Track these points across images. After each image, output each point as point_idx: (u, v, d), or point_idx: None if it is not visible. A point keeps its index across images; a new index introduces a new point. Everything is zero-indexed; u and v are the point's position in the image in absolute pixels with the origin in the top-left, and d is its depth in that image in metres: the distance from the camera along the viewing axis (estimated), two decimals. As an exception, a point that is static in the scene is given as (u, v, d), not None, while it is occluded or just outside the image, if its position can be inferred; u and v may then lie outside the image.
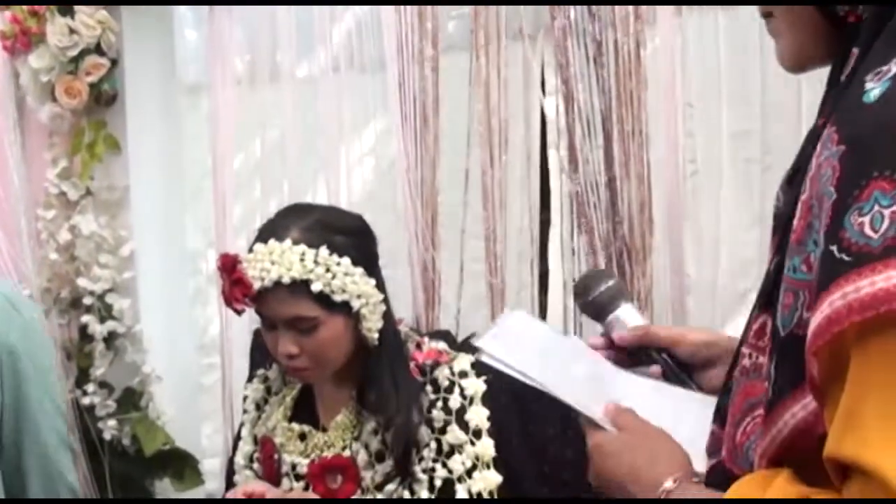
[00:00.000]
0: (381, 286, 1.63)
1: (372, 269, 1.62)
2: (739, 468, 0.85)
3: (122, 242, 2.41)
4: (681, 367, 1.15)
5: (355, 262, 1.58)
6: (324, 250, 1.56)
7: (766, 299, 0.87)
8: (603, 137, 1.92)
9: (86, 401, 2.34)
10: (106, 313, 2.36)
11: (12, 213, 2.35)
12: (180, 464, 2.39)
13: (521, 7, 2.08)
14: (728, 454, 0.88)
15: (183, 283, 2.59)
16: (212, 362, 2.66)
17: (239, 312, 1.63)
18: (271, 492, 1.57)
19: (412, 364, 1.65)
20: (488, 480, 1.61)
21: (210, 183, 2.49)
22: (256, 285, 1.56)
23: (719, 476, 0.89)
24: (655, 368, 1.15)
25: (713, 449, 0.93)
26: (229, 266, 1.59)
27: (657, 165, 1.97)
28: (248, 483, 1.64)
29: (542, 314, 2.23)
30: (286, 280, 1.54)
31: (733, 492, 0.81)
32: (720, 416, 0.93)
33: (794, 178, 0.85)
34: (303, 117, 2.41)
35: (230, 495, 1.58)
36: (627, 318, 1.19)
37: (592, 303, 1.22)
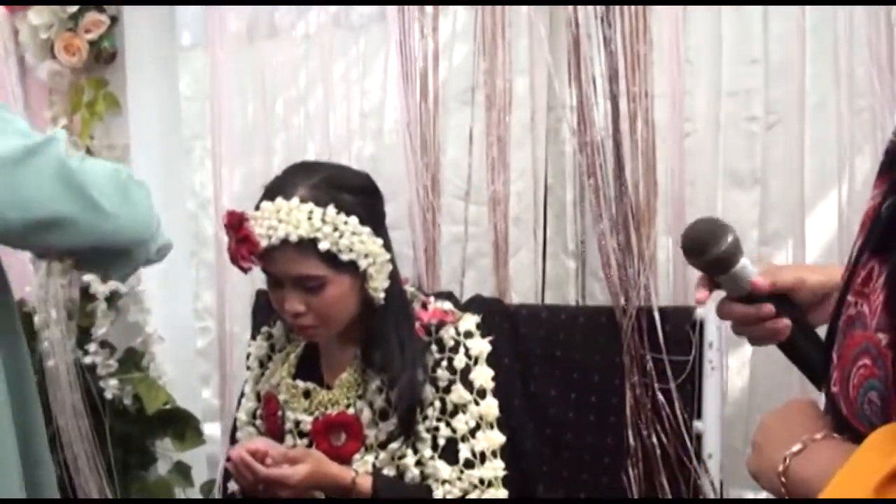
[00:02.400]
0: (387, 246, 1.63)
1: (379, 228, 1.62)
2: (860, 423, 0.82)
3: (123, 202, 2.39)
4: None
5: (363, 222, 1.57)
6: (331, 209, 1.55)
7: (878, 243, 0.84)
8: (610, 97, 1.91)
9: (87, 360, 2.34)
10: (107, 273, 2.36)
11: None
12: (181, 424, 2.39)
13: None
14: (848, 410, 0.85)
15: (184, 244, 2.58)
16: (205, 326, 2.66)
17: (245, 270, 1.62)
18: (273, 448, 1.58)
19: (417, 323, 1.65)
20: (492, 440, 1.61)
21: (202, 144, 2.48)
22: (263, 243, 1.55)
23: (848, 433, 0.86)
24: (786, 321, 1.12)
25: (830, 408, 0.90)
26: (235, 223, 1.58)
27: (660, 125, 1.95)
28: (251, 440, 1.64)
29: (543, 277, 2.23)
30: (293, 238, 1.54)
31: (865, 449, 0.76)
32: (826, 371, 0.90)
33: None
34: (300, 74, 2.40)
35: (233, 452, 1.58)
36: (749, 270, 1.13)
37: (717, 260, 1.12)
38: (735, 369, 2.08)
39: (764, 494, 2.02)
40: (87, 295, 2.37)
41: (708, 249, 1.12)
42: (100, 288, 2.33)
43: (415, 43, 2.09)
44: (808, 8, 1.87)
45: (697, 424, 1.87)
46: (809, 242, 1.93)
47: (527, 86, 2.16)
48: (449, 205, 2.21)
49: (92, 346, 2.35)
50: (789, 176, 1.94)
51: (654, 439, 1.88)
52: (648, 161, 1.92)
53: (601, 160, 1.93)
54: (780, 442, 0.90)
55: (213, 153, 2.38)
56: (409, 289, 1.72)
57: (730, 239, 1.12)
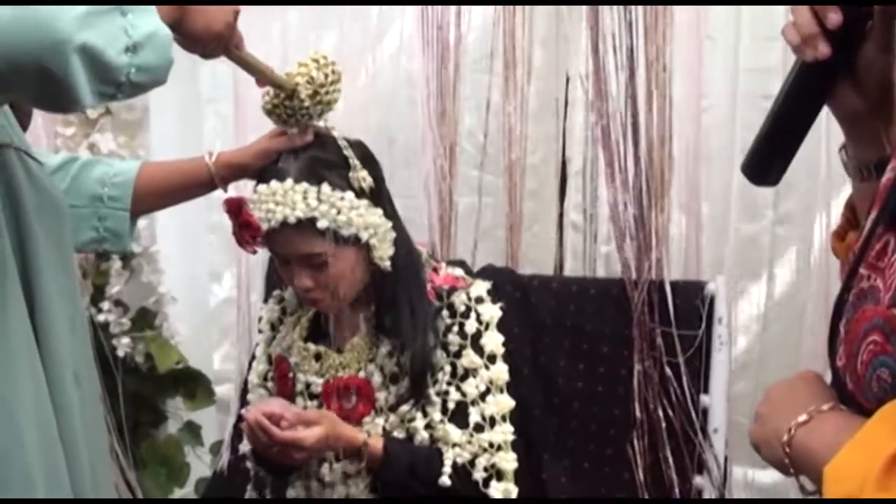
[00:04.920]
0: (389, 213, 1.63)
1: (377, 197, 1.61)
2: (866, 399, 0.81)
3: (141, 162, 2.41)
4: None
5: (359, 195, 1.58)
6: (325, 187, 1.55)
7: (893, 217, 0.83)
8: (628, 71, 1.91)
9: (100, 318, 2.36)
10: (123, 232, 2.37)
11: (31, 129, 2.34)
12: (193, 383, 2.43)
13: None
14: (854, 386, 0.84)
15: (199, 206, 2.59)
16: (219, 288, 2.67)
17: (252, 252, 1.65)
18: (288, 410, 1.59)
19: (429, 287, 1.66)
20: (501, 404, 1.63)
21: (220, 107, 2.48)
22: (264, 227, 1.56)
23: (853, 408, 0.85)
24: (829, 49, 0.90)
25: (835, 382, 0.89)
26: (235, 209, 1.59)
27: (677, 100, 1.95)
28: (266, 402, 1.65)
29: (560, 250, 2.23)
30: (292, 220, 1.54)
31: (878, 420, 0.75)
32: (832, 344, 0.88)
33: None
34: (323, 37, 2.40)
35: (248, 414, 1.59)
36: None
37: None
38: (743, 345, 2.09)
39: (769, 469, 2.05)
40: (101, 253, 2.39)
41: None
42: (114, 247, 2.35)
43: (437, 12, 2.09)
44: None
45: (704, 399, 1.88)
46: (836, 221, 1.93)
47: (545, 57, 2.16)
48: (463, 174, 2.21)
49: (105, 305, 2.37)
50: (808, 154, 1.93)
51: (661, 412, 1.89)
52: (665, 135, 1.93)
53: (617, 134, 1.93)
54: (786, 412, 0.89)
55: (233, 116, 2.38)
56: (422, 249, 1.73)
57: None
